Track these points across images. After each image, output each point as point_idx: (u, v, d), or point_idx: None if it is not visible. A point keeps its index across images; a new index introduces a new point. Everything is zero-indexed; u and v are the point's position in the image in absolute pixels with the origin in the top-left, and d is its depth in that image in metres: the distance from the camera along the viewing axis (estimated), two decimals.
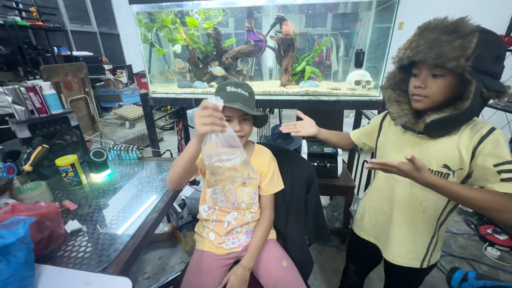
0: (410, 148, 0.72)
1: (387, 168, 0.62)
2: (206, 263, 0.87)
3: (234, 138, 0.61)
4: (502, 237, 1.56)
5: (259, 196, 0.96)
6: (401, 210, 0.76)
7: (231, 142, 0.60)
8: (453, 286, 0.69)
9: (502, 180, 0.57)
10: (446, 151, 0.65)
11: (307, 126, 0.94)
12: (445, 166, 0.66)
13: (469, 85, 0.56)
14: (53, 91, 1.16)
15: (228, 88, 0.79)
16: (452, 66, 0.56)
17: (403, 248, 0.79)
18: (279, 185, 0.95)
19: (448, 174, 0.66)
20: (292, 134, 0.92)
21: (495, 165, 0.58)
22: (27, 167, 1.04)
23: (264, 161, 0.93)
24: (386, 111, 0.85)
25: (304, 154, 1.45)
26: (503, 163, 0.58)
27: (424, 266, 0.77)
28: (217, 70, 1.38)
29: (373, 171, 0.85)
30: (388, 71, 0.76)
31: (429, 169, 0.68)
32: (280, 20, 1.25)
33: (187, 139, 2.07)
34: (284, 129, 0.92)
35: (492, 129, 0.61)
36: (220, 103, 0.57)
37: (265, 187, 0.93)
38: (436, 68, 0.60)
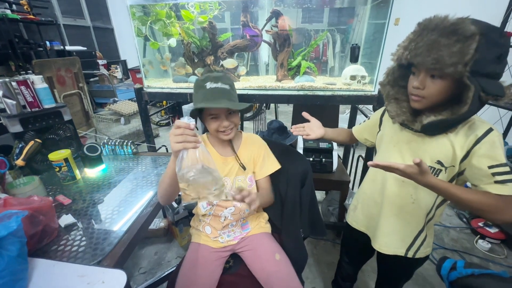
0: (405, 143, 0.73)
1: (391, 170, 0.63)
2: (202, 256, 0.88)
3: (208, 155, 0.64)
4: (493, 230, 1.59)
5: (256, 182, 0.96)
6: (391, 201, 0.78)
7: (207, 157, 0.63)
8: (443, 275, 0.70)
9: (496, 182, 0.58)
10: (441, 148, 0.66)
11: (315, 129, 0.94)
12: (439, 162, 0.67)
13: (467, 90, 0.55)
14: (45, 85, 1.14)
15: (208, 85, 0.76)
16: (450, 72, 0.55)
17: (390, 237, 0.81)
18: (274, 165, 0.95)
19: (440, 170, 0.67)
20: (304, 137, 0.93)
21: (489, 167, 0.59)
22: (19, 162, 1.02)
23: (253, 148, 0.94)
24: (381, 110, 0.87)
25: (300, 149, 1.45)
26: (497, 166, 0.58)
27: (410, 255, 0.79)
28: (229, 62, 1.35)
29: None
30: (387, 67, 0.75)
31: None
32: (275, 15, 1.24)
33: None
34: (295, 131, 0.93)
35: (489, 130, 0.61)
36: (192, 122, 0.62)
37: (259, 171, 0.93)
38: (435, 70, 0.59)
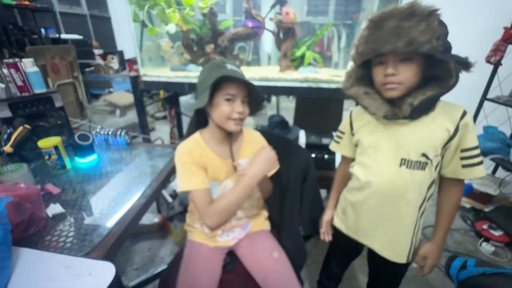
0: (386, 142, 0.70)
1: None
2: (200, 255, 0.84)
3: None
4: (498, 233, 1.57)
5: None
6: (385, 205, 0.73)
7: None
8: (452, 274, 0.68)
9: (464, 166, 0.64)
10: (425, 139, 0.65)
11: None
12: (423, 154, 0.65)
13: (445, 64, 0.57)
14: (36, 69, 1.09)
15: (229, 66, 0.72)
16: (426, 50, 0.54)
17: (387, 243, 0.76)
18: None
19: (426, 163, 0.66)
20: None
21: (462, 150, 0.64)
22: (7, 148, 0.98)
23: (255, 149, 0.85)
24: (348, 117, 0.82)
25: (302, 145, 1.42)
26: (469, 149, 0.63)
27: (410, 260, 0.77)
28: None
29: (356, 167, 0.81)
30: (346, 72, 0.74)
31: (409, 160, 0.67)
32: (280, 2, 1.20)
33: (179, 127, 2.01)
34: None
35: (464, 112, 0.64)
36: None
37: None
38: (408, 53, 0.58)
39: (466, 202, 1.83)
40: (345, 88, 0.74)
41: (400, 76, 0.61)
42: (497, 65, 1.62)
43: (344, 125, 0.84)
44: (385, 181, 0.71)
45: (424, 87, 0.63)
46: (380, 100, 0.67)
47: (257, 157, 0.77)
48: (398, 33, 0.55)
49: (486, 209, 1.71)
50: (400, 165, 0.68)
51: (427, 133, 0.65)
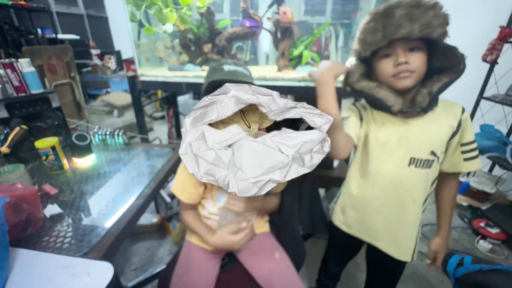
0: (396, 141, 0.69)
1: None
2: (197, 256, 0.83)
3: None
4: (494, 231, 1.58)
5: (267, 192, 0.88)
6: (391, 205, 0.73)
7: None
8: (449, 271, 0.68)
9: (465, 159, 0.67)
10: (434, 137, 0.66)
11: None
12: (432, 153, 0.66)
13: (452, 51, 0.60)
14: (32, 69, 1.08)
15: (226, 67, 0.67)
16: (438, 34, 0.56)
17: (393, 242, 0.76)
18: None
19: (433, 160, 0.67)
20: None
21: (461, 145, 0.67)
22: (4, 149, 0.97)
23: None
24: (352, 105, 0.77)
25: None
26: (468, 143, 0.66)
27: (414, 258, 0.76)
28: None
29: (355, 160, 0.80)
30: (349, 68, 0.69)
31: (419, 159, 0.67)
32: (277, 1, 1.20)
33: (177, 127, 2.00)
34: None
35: (463, 108, 0.67)
36: None
37: (277, 185, 0.86)
38: (412, 42, 0.59)
39: (463, 200, 1.84)
40: (351, 82, 0.69)
41: (412, 64, 0.60)
42: (493, 64, 1.63)
43: (348, 110, 0.76)
44: (393, 182, 0.70)
45: (432, 77, 0.63)
46: (394, 93, 0.65)
47: (222, 231, 0.78)
48: (411, 18, 0.56)
49: (483, 207, 1.72)
50: (409, 164, 0.68)
51: (435, 130, 0.66)
